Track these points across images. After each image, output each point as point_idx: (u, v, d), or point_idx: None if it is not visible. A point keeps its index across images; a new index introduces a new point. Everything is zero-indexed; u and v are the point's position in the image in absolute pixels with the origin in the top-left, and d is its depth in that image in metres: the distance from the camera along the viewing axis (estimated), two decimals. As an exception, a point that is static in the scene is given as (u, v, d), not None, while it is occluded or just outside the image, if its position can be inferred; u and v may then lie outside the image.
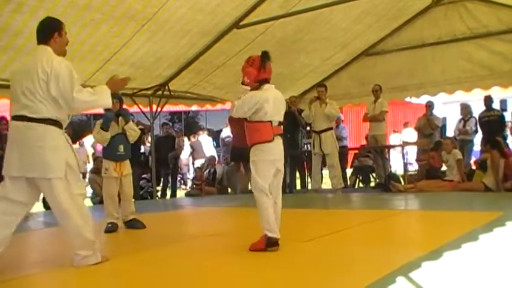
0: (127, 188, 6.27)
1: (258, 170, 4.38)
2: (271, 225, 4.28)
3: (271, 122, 4.40)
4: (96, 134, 6.17)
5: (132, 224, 6.22)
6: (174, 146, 12.27)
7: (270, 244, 4.25)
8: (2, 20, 6.86)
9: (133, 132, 6.35)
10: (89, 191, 15.51)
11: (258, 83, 4.46)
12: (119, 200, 6.25)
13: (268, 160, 4.38)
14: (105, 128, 6.06)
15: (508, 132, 12.04)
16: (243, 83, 4.52)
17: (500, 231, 4.66)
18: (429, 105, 11.61)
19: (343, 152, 12.03)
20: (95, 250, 3.98)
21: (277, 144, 4.45)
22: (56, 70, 3.83)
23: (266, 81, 4.50)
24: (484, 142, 9.07)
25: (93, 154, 16.60)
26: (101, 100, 3.99)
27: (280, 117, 4.52)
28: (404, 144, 11.16)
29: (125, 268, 4.10)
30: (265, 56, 4.48)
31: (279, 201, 4.50)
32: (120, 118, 6.30)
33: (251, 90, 4.47)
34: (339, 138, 12.28)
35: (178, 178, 16.53)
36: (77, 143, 16.90)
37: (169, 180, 12.31)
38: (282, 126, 4.56)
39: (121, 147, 6.16)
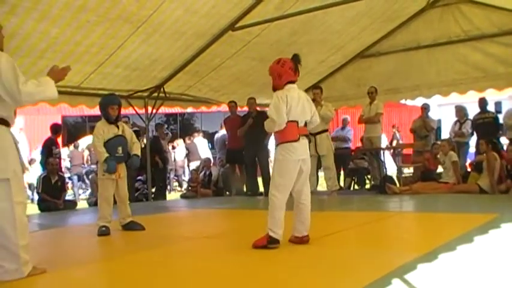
0: (122, 190, 6.21)
1: (280, 169, 4.43)
2: (276, 225, 4.35)
3: (297, 122, 4.44)
4: (97, 144, 6.04)
5: (131, 227, 6.19)
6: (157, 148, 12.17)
7: (271, 242, 4.33)
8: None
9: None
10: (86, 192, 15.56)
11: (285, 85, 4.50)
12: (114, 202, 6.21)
13: (293, 160, 4.41)
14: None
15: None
16: (275, 89, 4.54)
17: (495, 233, 4.67)
18: (425, 108, 11.65)
19: (346, 153, 12.13)
20: (20, 265, 3.63)
21: (302, 145, 4.49)
22: None
23: (292, 83, 4.54)
24: (484, 142, 9.06)
25: (89, 155, 16.59)
26: (48, 91, 3.71)
27: (306, 118, 4.57)
28: (400, 146, 11.15)
29: (121, 269, 4.10)
30: (297, 60, 4.53)
31: (306, 202, 4.57)
32: (120, 122, 6.28)
33: (275, 91, 4.52)
34: (345, 140, 12.40)
35: (174, 180, 16.59)
36: (72, 145, 16.86)
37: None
38: (307, 127, 4.62)
39: (120, 149, 6.08)
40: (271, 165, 13.89)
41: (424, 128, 11.41)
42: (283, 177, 4.40)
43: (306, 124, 4.58)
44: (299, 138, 4.45)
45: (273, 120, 4.38)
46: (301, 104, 4.50)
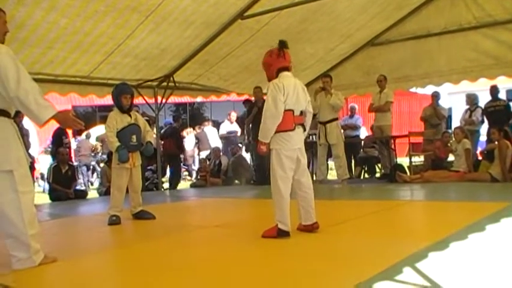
0: (136, 179, 6.22)
1: (278, 159, 4.39)
2: (283, 216, 4.33)
3: (292, 111, 4.40)
4: (108, 133, 6.04)
5: (142, 215, 6.22)
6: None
7: (281, 235, 4.33)
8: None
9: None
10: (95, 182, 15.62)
11: (277, 73, 4.48)
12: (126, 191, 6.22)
13: (289, 149, 4.39)
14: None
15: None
16: (269, 79, 4.55)
17: (507, 222, 4.63)
18: (435, 96, 11.59)
19: (356, 141, 12.13)
20: (31, 254, 3.65)
21: (297, 134, 4.46)
22: None
23: (285, 69, 4.51)
24: (496, 130, 9.00)
25: (102, 146, 16.61)
26: (41, 106, 3.52)
27: (302, 106, 4.52)
28: (411, 134, 11.09)
29: (131, 258, 4.11)
30: (282, 44, 4.49)
31: (308, 190, 4.53)
32: (132, 111, 6.27)
33: (269, 81, 4.51)
34: (355, 127, 12.40)
35: (184, 169, 16.64)
36: (83, 134, 16.89)
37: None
38: (303, 116, 4.57)
39: (134, 138, 6.07)
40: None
41: (436, 116, 11.35)
42: (283, 168, 4.37)
43: (301, 113, 4.53)
44: (295, 128, 4.42)
45: (272, 112, 4.31)
46: (297, 93, 4.46)
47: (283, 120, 4.35)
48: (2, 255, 3.92)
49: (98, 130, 17.61)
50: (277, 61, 4.48)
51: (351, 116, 12.94)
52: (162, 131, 12.28)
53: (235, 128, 14.02)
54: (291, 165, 4.40)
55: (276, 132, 4.38)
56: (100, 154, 16.66)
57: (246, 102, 11.84)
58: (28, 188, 3.72)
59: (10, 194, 3.59)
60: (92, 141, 17.03)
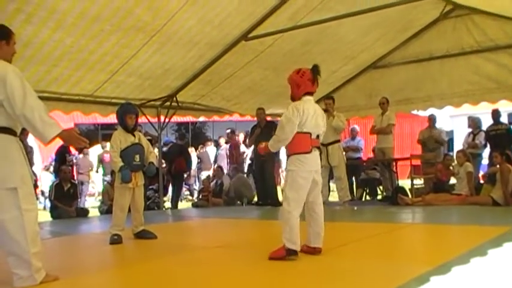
0: (139, 198, 6.23)
1: (292, 181, 4.42)
2: (292, 235, 4.31)
3: (310, 133, 4.46)
4: (112, 153, 6.09)
5: (143, 235, 6.21)
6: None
7: (290, 254, 4.31)
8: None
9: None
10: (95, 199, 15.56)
11: (302, 95, 4.55)
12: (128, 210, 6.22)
13: (305, 171, 4.42)
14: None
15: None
16: (293, 98, 4.59)
17: (509, 246, 4.61)
18: (432, 119, 11.58)
19: (357, 163, 12.10)
20: (32, 272, 3.64)
21: (314, 156, 4.51)
22: (0, 73, 3.58)
23: (310, 94, 4.58)
24: (498, 154, 9.00)
25: (101, 164, 16.51)
26: (47, 124, 3.59)
27: (319, 131, 4.60)
28: (412, 157, 11.08)
29: (133, 277, 4.11)
30: (316, 71, 4.55)
31: (320, 212, 4.60)
32: (136, 131, 6.31)
33: (293, 100, 4.56)
34: (357, 149, 12.39)
35: (185, 188, 16.61)
36: (82, 152, 16.78)
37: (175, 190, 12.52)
38: (319, 140, 4.63)
39: (137, 157, 6.10)
40: (282, 175, 13.92)
41: (434, 140, 11.33)
42: (296, 190, 4.39)
43: (317, 137, 4.59)
44: (311, 150, 4.47)
45: (282, 131, 4.40)
46: (316, 118, 4.52)
47: (302, 143, 4.42)
48: (3, 272, 3.93)
49: (99, 148, 17.50)
50: (307, 84, 4.54)
51: (353, 138, 12.95)
52: (165, 149, 12.30)
53: (243, 148, 13.96)
54: (305, 187, 4.43)
55: (293, 154, 4.45)
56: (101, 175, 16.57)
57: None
58: (31, 206, 3.73)
59: (13, 211, 3.60)
60: (92, 158, 16.90)
